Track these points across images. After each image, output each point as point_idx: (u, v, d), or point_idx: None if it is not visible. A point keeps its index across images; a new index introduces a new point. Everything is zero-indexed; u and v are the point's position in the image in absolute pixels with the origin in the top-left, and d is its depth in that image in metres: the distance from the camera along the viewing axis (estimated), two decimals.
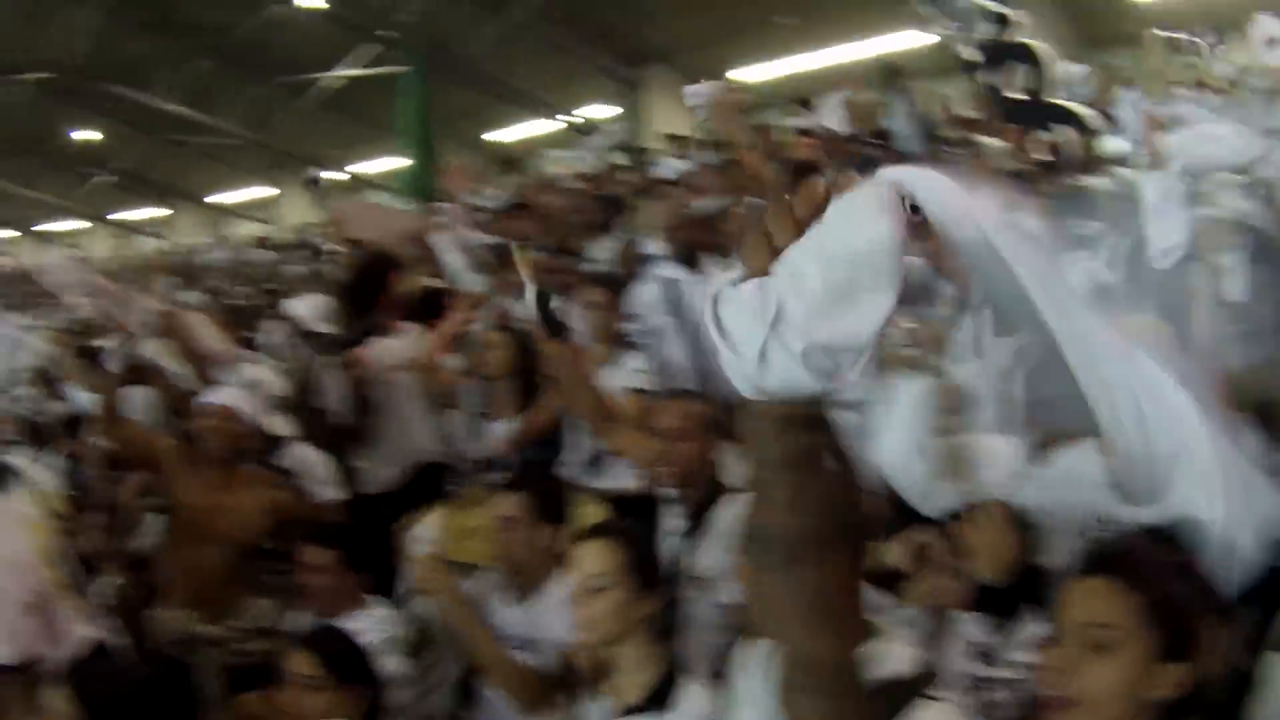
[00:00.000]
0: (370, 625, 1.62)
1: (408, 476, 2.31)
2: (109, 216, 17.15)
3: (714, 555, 1.50)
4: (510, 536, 1.59)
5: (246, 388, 2.04)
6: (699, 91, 2.45)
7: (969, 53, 3.60)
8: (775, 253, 0.46)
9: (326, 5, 9.65)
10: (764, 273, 0.45)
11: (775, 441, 0.47)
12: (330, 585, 1.68)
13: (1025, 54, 3.52)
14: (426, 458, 2.34)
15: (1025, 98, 3.46)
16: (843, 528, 0.47)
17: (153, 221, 17.26)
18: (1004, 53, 3.51)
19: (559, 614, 1.40)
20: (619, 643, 1.25)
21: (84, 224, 17.84)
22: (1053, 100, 3.46)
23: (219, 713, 1.50)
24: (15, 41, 10.10)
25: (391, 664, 1.53)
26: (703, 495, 1.57)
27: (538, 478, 1.77)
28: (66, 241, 17.29)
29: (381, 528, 1.94)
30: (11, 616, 1.14)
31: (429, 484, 2.25)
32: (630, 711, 1.25)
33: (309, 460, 2.17)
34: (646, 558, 1.32)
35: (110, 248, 17.25)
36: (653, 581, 1.29)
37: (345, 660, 1.38)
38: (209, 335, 2.41)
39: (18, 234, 17.64)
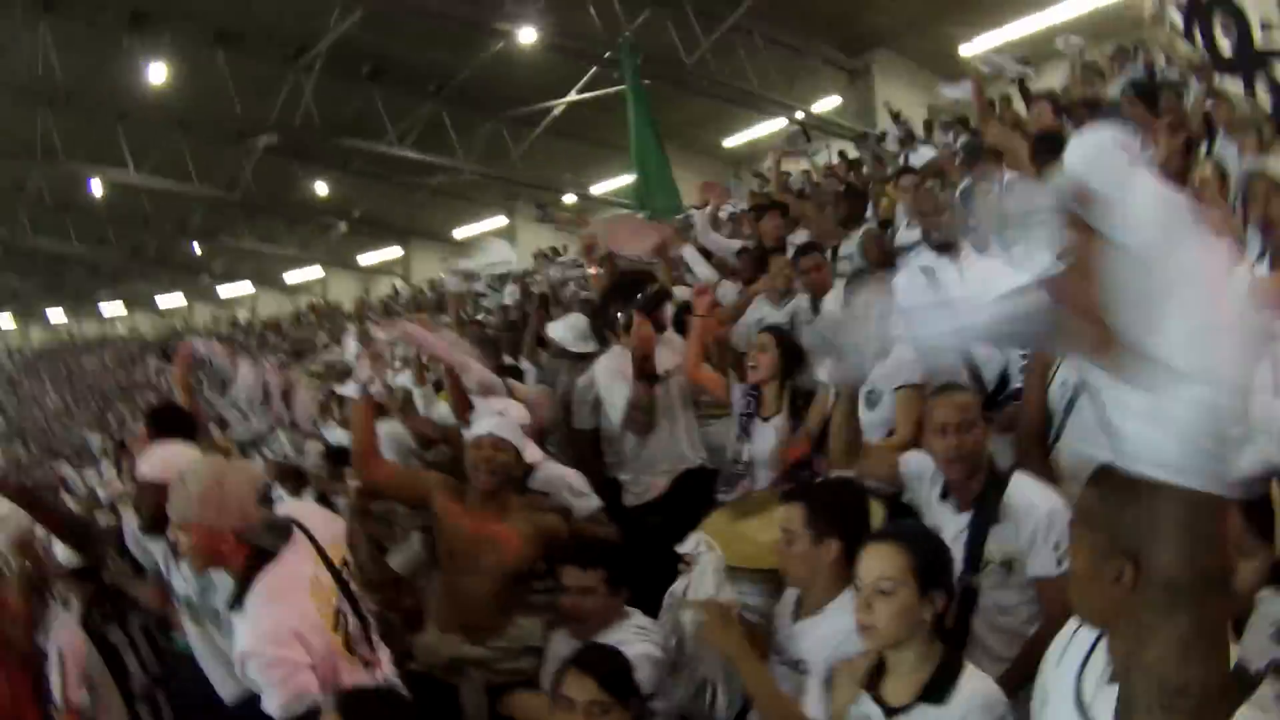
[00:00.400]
0: (631, 636, 3.97)
1: (675, 483, 5.77)
2: (354, 260, 32.43)
3: (1007, 541, 3.74)
4: (790, 551, 3.71)
5: (499, 416, 4.81)
6: (956, 87, 10.63)
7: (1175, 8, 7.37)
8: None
9: (539, 36, 19.91)
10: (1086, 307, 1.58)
11: (1179, 504, 1.49)
12: (594, 606, 4.15)
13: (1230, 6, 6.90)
14: (693, 464, 5.86)
15: (1232, 48, 6.80)
16: (1224, 566, 1.57)
17: (392, 263, 31.79)
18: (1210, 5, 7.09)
19: (837, 634, 3.39)
20: (901, 645, 3.02)
21: (323, 272, 33.77)
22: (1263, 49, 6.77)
23: None
24: (246, 109, 23.25)
25: (652, 673, 3.78)
26: (984, 484, 3.87)
27: (821, 489, 3.93)
28: (313, 291, 33.23)
29: (650, 536, 4.97)
30: (286, 678, 3.25)
31: (697, 490, 5.72)
32: (901, 710, 2.97)
33: (559, 477, 5.22)
34: (933, 560, 3.11)
35: (353, 291, 32.66)
36: (937, 583, 3.04)
37: (620, 679, 3.38)
38: (477, 367, 5.92)
39: (262, 288, 34.49)
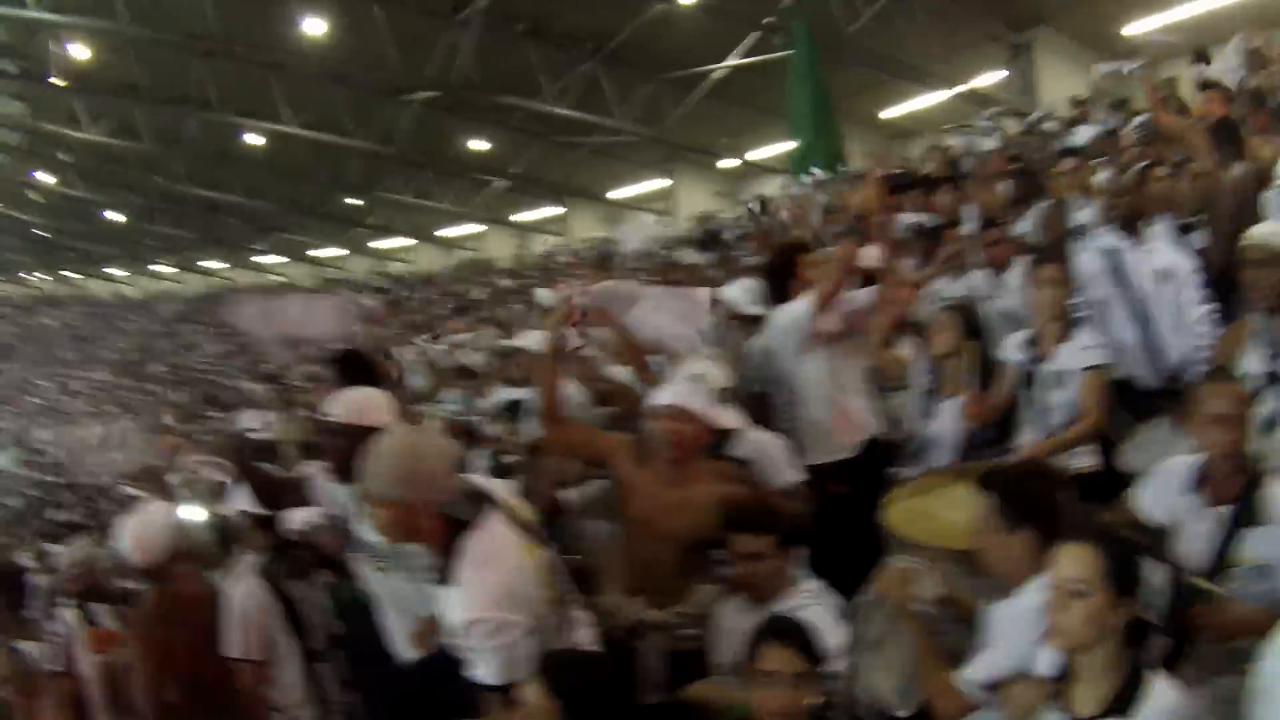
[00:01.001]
0: (806, 602, 4.40)
1: (856, 454, 6.09)
2: (504, 218, 34.04)
3: (1268, 545, 3.80)
4: (983, 540, 3.81)
5: (692, 381, 5.03)
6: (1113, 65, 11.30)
7: None
8: None
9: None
10: None
11: None
12: (764, 571, 4.51)
13: None
14: (873, 436, 6.22)
15: None
16: None
17: (550, 220, 33.28)
18: None
19: (1029, 617, 3.36)
20: (1089, 650, 3.09)
21: (482, 227, 35.57)
22: None
23: (660, 696, 4.57)
24: (404, 64, 24.49)
25: (831, 638, 3.99)
26: (1245, 482, 3.97)
27: (1013, 476, 4.00)
28: (470, 246, 35.12)
29: (831, 505, 5.55)
30: (512, 643, 3.51)
31: (876, 462, 6.09)
32: None
33: (766, 445, 5.56)
34: (1126, 563, 3.13)
35: (510, 248, 34.46)
36: (1130, 588, 3.08)
37: (814, 647, 3.73)
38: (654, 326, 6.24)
39: (419, 241, 36.46)
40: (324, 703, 5.58)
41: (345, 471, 4.54)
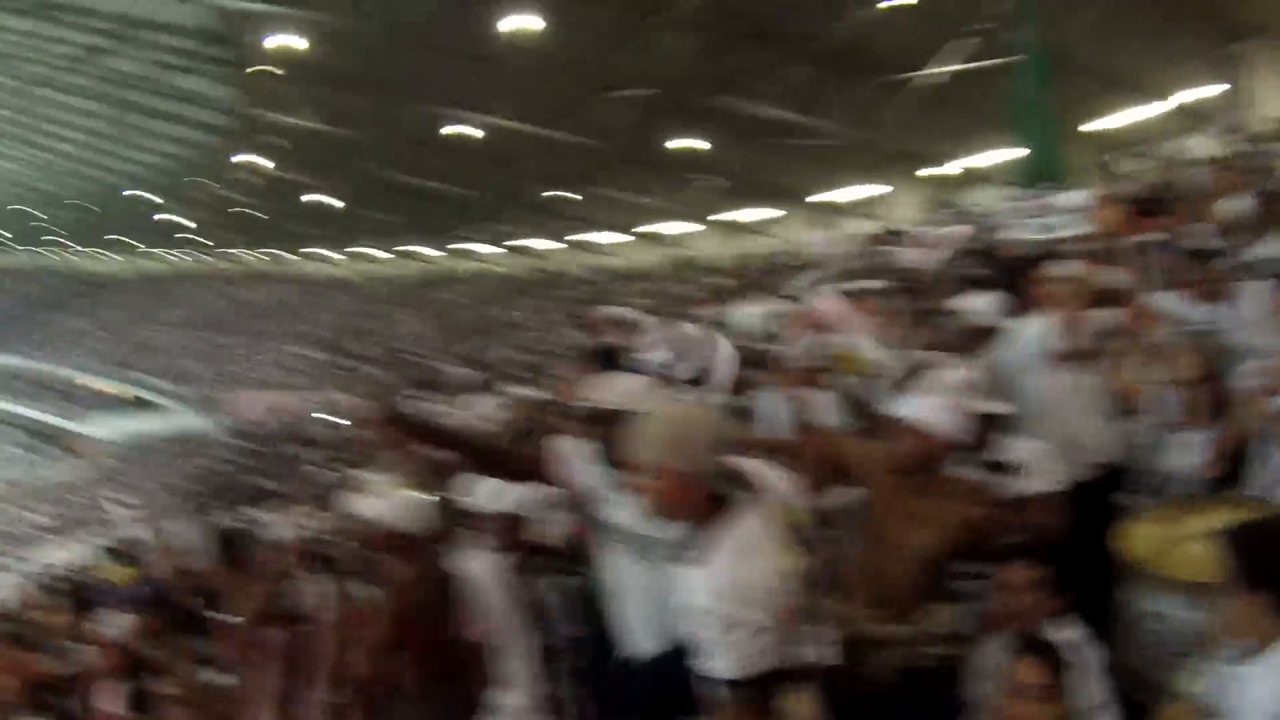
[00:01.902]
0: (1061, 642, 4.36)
1: (1083, 478, 6.23)
2: (715, 218, 36.02)
3: None
4: (1223, 596, 3.66)
5: (938, 393, 5.20)
6: None
7: None
8: None
9: (915, 2, 22.14)
10: None
11: None
12: (1031, 604, 4.66)
13: None
14: (1102, 460, 6.39)
15: None
16: None
17: (762, 222, 35.05)
18: None
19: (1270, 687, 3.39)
20: None
21: (691, 226, 37.70)
22: None
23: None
24: (619, 62, 26.63)
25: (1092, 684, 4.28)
26: None
27: (1254, 532, 3.83)
28: (681, 244, 37.27)
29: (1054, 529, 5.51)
30: (748, 639, 3.59)
31: (1108, 488, 6.21)
32: None
33: (1026, 451, 5.78)
34: None
35: (720, 248, 36.46)
36: None
37: (1066, 672, 4.05)
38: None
39: (631, 237, 38.88)
40: (549, 696, 5.72)
41: (605, 457, 4.74)
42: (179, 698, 6.67)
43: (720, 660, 3.67)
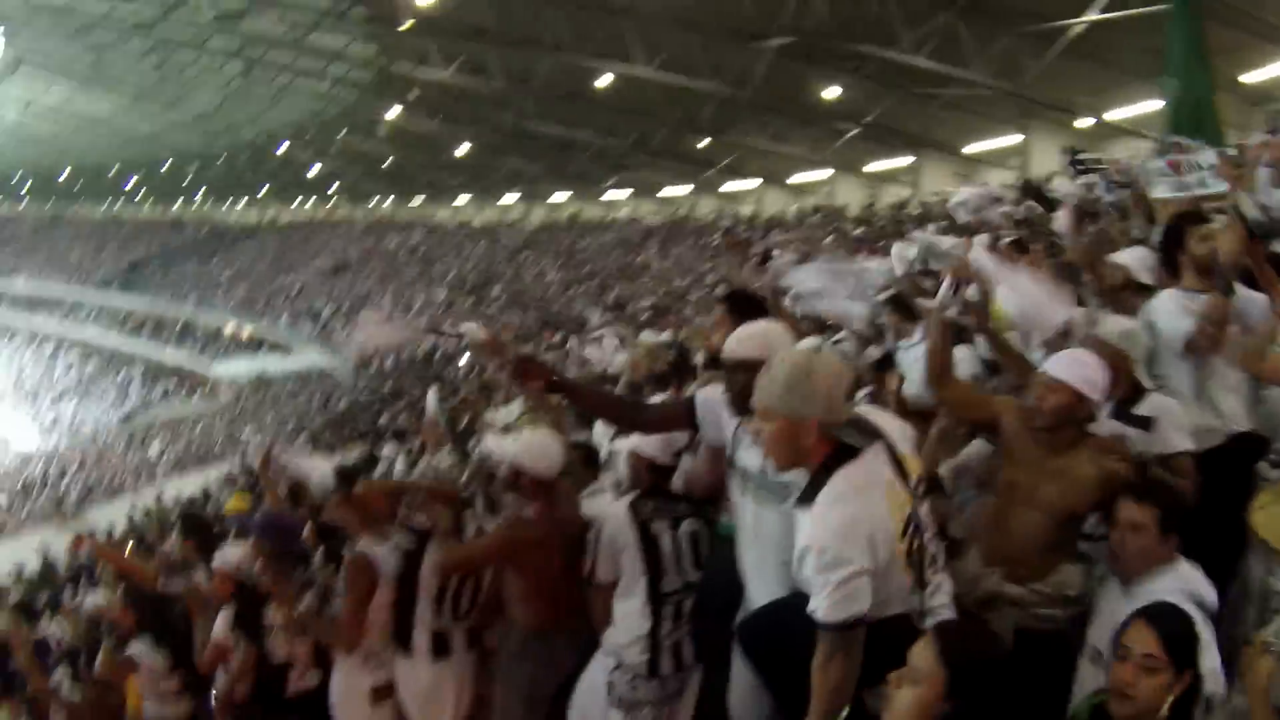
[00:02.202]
0: (1176, 586, 4.51)
1: (1222, 444, 6.03)
2: (862, 166, 36.56)
3: None
4: None
5: (1088, 348, 5.35)
6: None
7: None
8: None
9: None
10: None
11: None
12: (1142, 544, 4.65)
13: None
14: (1241, 430, 6.15)
15: None
16: None
17: (901, 171, 35.41)
18: None
19: None
20: None
21: (828, 173, 38.23)
22: None
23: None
24: (758, 8, 27.30)
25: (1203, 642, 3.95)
26: None
27: None
28: (819, 192, 37.76)
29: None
30: (846, 581, 3.86)
31: (1242, 459, 5.96)
32: None
33: (1167, 408, 5.73)
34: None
35: (859, 197, 36.91)
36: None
37: (1182, 645, 3.76)
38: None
39: (767, 185, 39.56)
40: (668, 640, 5.72)
41: (742, 403, 4.83)
42: (286, 625, 7.03)
43: (818, 601, 3.88)
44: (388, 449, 17.91)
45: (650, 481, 5.88)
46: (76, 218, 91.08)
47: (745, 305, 6.40)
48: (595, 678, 5.91)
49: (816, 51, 29.52)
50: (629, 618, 5.73)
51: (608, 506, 6.06)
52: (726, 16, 29.06)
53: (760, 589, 4.87)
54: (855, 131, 34.05)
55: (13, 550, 30.04)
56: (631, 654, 5.70)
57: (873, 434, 4.27)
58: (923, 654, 3.62)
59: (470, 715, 6.55)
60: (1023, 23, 25.25)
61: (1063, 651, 4.94)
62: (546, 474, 5.96)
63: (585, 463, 7.16)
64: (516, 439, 6.18)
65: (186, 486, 33.58)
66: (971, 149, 34.15)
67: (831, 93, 32.36)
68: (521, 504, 6.10)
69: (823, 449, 4.12)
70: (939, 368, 5.64)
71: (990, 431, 5.58)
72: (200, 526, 8.78)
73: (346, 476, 6.89)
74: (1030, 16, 24.95)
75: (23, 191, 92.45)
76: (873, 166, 37.69)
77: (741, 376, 4.80)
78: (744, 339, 5.06)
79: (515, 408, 8.91)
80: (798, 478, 4.23)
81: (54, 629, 12.44)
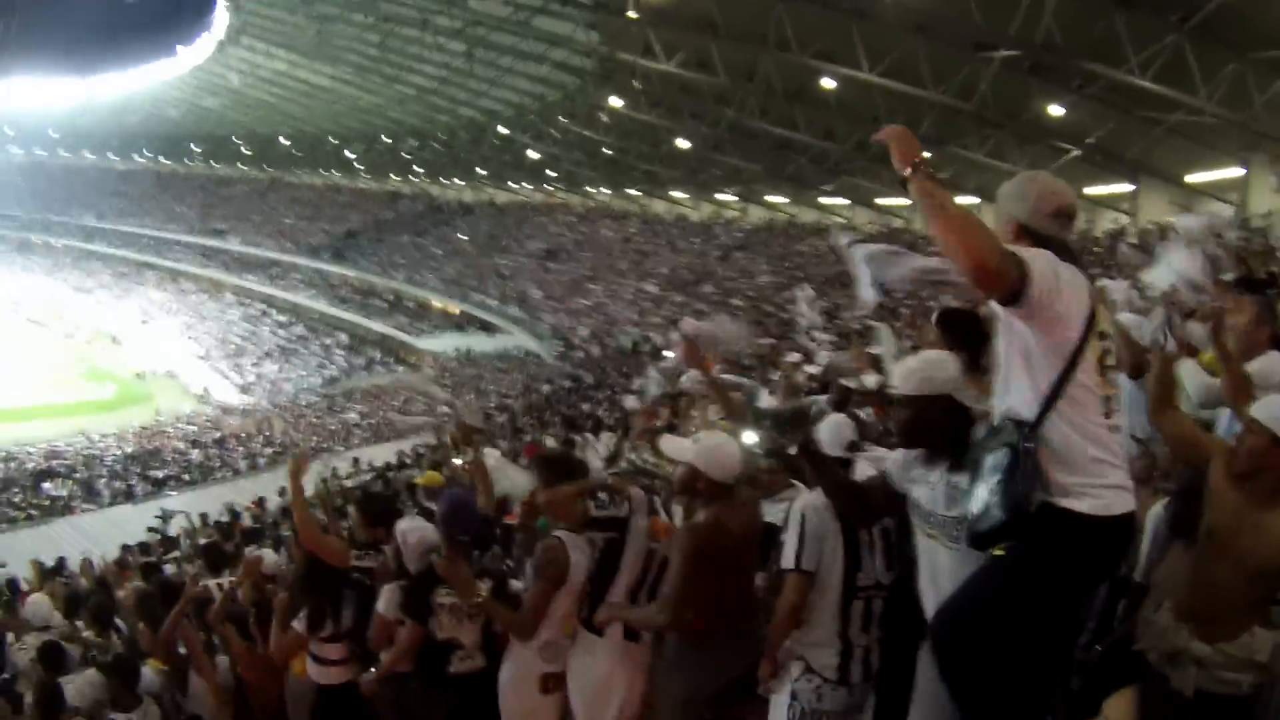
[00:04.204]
0: None
1: None
2: (1081, 189, 37.21)
3: None
4: None
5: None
6: None
7: None
8: None
9: None
10: None
11: None
12: None
13: None
14: None
15: None
16: None
17: (1119, 197, 35.93)
18: None
19: None
20: None
21: None
22: None
23: None
24: (986, 20, 28.31)
25: None
26: None
27: None
28: None
29: None
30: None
31: None
32: None
33: None
34: None
35: (1078, 221, 37.73)
36: None
37: None
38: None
39: (982, 202, 40.45)
40: (849, 646, 5.73)
41: (909, 439, 5.02)
42: (459, 609, 7.16)
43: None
44: (589, 438, 18.36)
45: (849, 480, 5.75)
46: (293, 184, 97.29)
47: (959, 324, 6.32)
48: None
49: (1042, 67, 30.48)
50: (821, 614, 5.73)
51: (807, 496, 5.90)
52: (955, 25, 30.29)
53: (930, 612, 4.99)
54: (1076, 153, 34.50)
55: (200, 500, 32.33)
56: (821, 656, 5.72)
57: None
58: (1119, 708, 4.08)
59: (633, 715, 6.63)
60: (1253, 48, 25.61)
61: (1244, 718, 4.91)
62: (724, 478, 5.97)
63: (779, 461, 7.00)
64: (696, 442, 6.28)
65: (380, 455, 35.29)
66: (1192, 179, 34.31)
67: (1054, 110, 33.03)
68: (695, 506, 6.12)
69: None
70: (1159, 400, 5.55)
71: (1201, 473, 5.27)
72: (378, 508, 8.86)
73: (550, 467, 7.11)
74: (1261, 42, 25.29)
75: (242, 155, 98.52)
76: (1091, 189, 37.91)
77: (906, 411, 4.97)
78: (908, 374, 5.06)
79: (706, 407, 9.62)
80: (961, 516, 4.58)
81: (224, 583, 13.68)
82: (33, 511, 37.51)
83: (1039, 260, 4.06)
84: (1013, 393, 4.35)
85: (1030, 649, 4.46)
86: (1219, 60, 26.43)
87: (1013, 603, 4.36)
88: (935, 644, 4.77)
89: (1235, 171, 32.78)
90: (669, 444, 6.64)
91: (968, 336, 5.92)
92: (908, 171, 4.19)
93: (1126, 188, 36.99)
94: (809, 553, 5.62)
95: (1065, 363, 4.19)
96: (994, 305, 4.35)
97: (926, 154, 4.17)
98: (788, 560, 5.65)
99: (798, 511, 5.72)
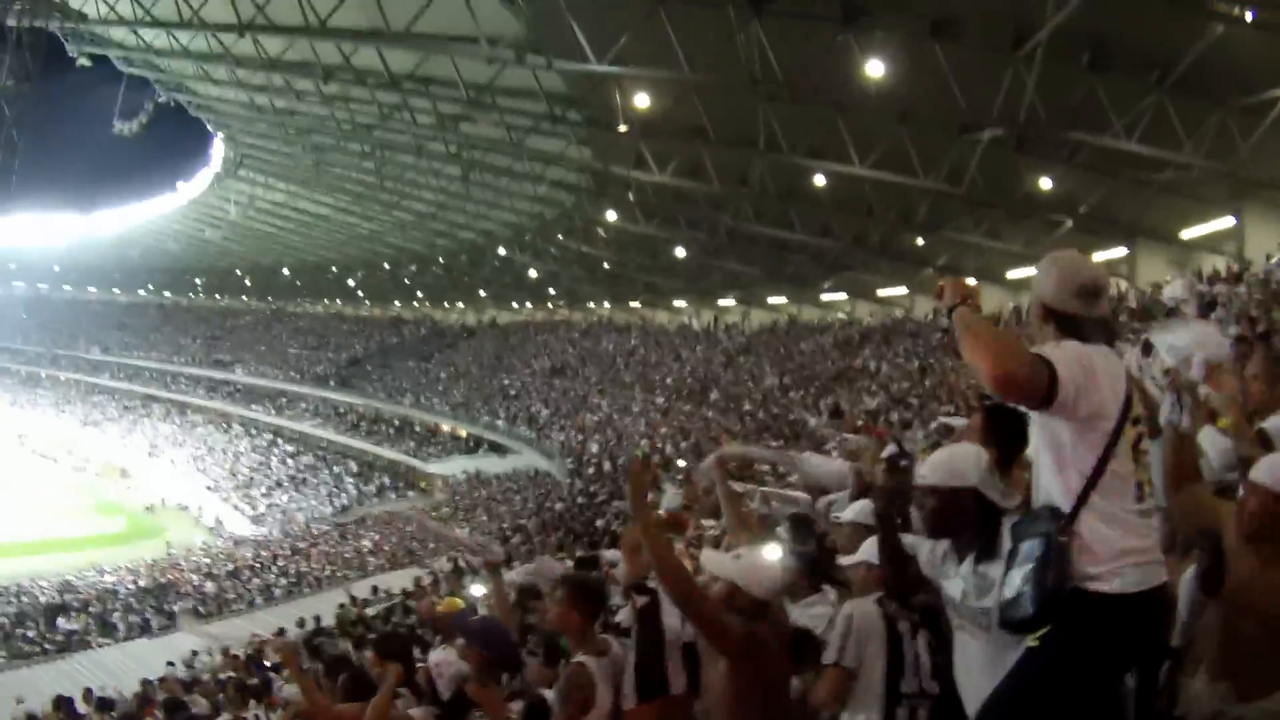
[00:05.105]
0: None
1: None
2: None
3: None
4: None
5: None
6: None
7: None
8: None
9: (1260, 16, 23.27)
10: None
11: None
12: None
13: None
14: None
15: None
16: None
17: (1117, 262, 36.54)
18: None
19: None
20: None
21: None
22: None
23: None
24: (967, 101, 28.74)
25: None
26: None
27: None
28: (1024, 285, 39.05)
29: None
30: None
31: None
32: None
33: None
34: None
35: None
36: None
37: None
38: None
39: (985, 282, 41.00)
40: None
41: (935, 529, 5.09)
42: None
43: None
44: (610, 554, 17.63)
45: (901, 583, 5.80)
46: (296, 314, 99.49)
47: (1004, 419, 6.04)
48: None
49: (1028, 141, 31.06)
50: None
51: (856, 600, 6.00)
52: (939, 109, 30.77)
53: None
54: (1069, 224, 35.03)
55: (223, 630, 32.46)
56: None
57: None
58: None
59: None
60: (1232, 97, 26.06)
61: None
62: (764, 595, 5.85)
63: (805, 575, 7.25)
64: (737, 557, 6.14)
65: (397, 582, 35.38)
66: (1187, 234, 34.88)
67: (1044, 184, 33.54)
68: (735, 623, 5.81)
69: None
70: (1174, 479, 5.55)
71: (1214, 539, 5.24)
72: (396, 648, 8.60)
73: (575, 582, 6.94)
74: (1239, 89, 25.75)
75: (244, 286, 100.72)
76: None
77: (933, 500, 4.97)
78: (936, 465, 5.09)
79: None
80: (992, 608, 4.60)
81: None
82: (48, 646, 37.49)
83: (1065, 360, 4.15)
84: (1047, 486, 4.41)
85: None
86: (1200, 113, 26.88)
87: (1051, 689, 4.35)
88: None
89: (1228, 222, 32.99)
90: (709, 559, 6.42)
91: (1009, 434, 5.70)
92: (958, 303, 4.30)
93: (1122, 252, 37.40)
94: (851, 651, 5.68)
95: (1099, 455, 4.25)
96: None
97: (971, 281, 4.43)
98: (829, 656, 5.73)
99: (846, 611, 5.83)
